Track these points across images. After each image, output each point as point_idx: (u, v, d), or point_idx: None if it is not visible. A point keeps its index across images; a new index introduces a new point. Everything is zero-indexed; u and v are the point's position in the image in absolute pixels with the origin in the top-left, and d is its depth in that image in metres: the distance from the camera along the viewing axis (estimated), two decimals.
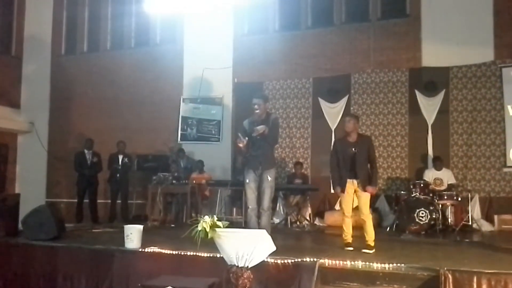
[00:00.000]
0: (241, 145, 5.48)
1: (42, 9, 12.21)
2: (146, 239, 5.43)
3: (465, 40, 8.70)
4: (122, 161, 9.61)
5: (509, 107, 8.63)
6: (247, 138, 5.51)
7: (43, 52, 12.15)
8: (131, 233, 5.25)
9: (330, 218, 8.88)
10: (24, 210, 6.49)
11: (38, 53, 12.17)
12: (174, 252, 4.97)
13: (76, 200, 9.67)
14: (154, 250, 5.11)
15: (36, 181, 11.72)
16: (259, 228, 5.24)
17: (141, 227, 5.38)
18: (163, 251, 5.04)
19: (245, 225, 5.59)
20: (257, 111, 5.57)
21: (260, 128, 5.42)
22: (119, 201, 9.65)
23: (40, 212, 6.04)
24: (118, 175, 9.55)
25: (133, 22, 11.69)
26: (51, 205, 6.89)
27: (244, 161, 5.92)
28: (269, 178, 5.50)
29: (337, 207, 9.21)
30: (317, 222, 9.04)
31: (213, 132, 10.53)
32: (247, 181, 5.60)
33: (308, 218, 8.89)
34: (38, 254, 5.52)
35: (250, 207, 5.57)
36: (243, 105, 10.22)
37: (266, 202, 5.50)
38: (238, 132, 5.80)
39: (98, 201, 9.74)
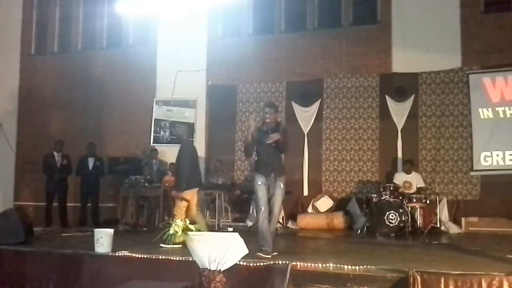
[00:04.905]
0: (252, 125, 5.47)
1: (11, 8, 11.90)
2: (117, 243, 5.37)
3: (434, 47, 8.93)
4: (93, 164, 9.49)
5: (479, 110, 8.81)
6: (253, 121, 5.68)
7: (12, 52, 11.82)
8: (101, 237, 5.18)
9: (303, 221, 8.97)
10: None
11: (7, 53, 11.83)
12: (145, 256, 4.91)
13: (44, 204, 9.47)
14: (125, 254, 5.04)
15: (4, 184, 11.41)
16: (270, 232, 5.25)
17: (111, 231, 5.31)
18: (134, 255, 4.98)
19: (259, 228, 5.45)
20: (268, 120, 5.52)
21: (275, 135, 5.35)
22: (89, 205, 9.50)
23: (7, 216, 5.91)
24: (88, 178, 9.40)
25: (105, 22, 11.47)
26: (19, 209, 6.76)
27: (254, 168, 5.90)
28: (282, 185, 5.46)
29: (309, 209, 9.32)
30: (290, 224, 9.08)
31: None
32: (259, 183, 5.45)
33: (281, 221, 8.92)
34: (6, 259, 5.38)
35: (262, 209, 5.41)
36: (216, 108, 10.25)
37: (277, 208, 5.47)
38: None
39: (68, 204, 9.54)
